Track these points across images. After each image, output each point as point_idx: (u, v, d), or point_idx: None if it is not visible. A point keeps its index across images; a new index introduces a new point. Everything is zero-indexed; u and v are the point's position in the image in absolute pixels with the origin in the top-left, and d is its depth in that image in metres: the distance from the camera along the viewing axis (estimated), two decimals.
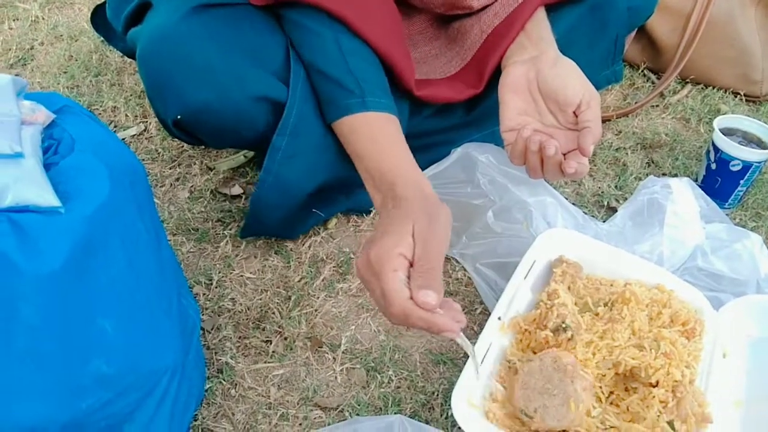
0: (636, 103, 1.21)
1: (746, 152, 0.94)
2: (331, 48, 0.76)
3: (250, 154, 1.01)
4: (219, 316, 0.80)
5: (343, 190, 0.90)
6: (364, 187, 0.92)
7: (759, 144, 0.98)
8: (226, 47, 0.74)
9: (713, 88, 1.26)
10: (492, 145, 0.91)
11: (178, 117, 0.75)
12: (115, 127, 1.09)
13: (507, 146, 0.84)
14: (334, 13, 0.74)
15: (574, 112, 0.80)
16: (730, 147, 0.94)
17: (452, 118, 0.97)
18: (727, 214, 0.99)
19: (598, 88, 1.07)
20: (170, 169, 1.01)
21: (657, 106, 1.22)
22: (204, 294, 0.82)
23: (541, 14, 0.87)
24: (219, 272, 0.85)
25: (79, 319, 0.52)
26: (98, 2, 1.01)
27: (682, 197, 0.84)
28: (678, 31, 1.21)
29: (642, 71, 1.30)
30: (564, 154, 0.80)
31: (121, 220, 0.56)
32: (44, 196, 0.50)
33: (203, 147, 1.04)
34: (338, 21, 0.75)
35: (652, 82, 1.29)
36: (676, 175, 1.05)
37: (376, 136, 0.74)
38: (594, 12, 0.95)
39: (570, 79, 0.80)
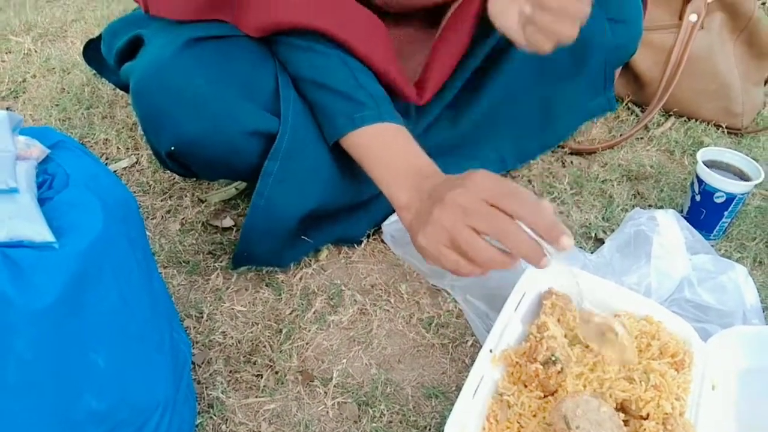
0: (621, 135, 1.24)
1: (730, 184, 0.95)
2: (338, 65, 0.79)
3: (242, 186, 1.01)
4: (210, 349, 0.79)
5: (333, 218, 0.91)
6: (355, 215, 0.94)
7: (742, 176, 1.00)
8: (218, 81, 0.76)
9: (696, 120, 1.29)
10: None
11: (172, 149, 0.76)
12: (107, 159, 1.10)
13: (522, 41, 0.79)
14: (338, 38, 0.76)
15: None
16: (713, 179, 0.96)
17: (437, 137, 0.98)
18: (712, 245, 1.00)
19: (593, 115, 1.10)
20: (161, 201, 1.01)
21: (641, 138, 1.25)
22: (194, 327, 0.82)
23: None
24: (210, 305, 0.85)
25: (71, 354, 0.51)
26: (91, 36, 1.02)
27: (668, 229, 0.86)
28: (660, 66, 1.24)
29: (626, 104, 1.33)
30: None
31: (114, 254, 0.56)
32: (39, 231, 0.50)
33: (195, 179, 1.04)
34: (342, 45, 0.77)
35: (636, 115, 1.31)
36: (661, 207, 1.07)
37: (394, 141, 0.77)
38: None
39: None
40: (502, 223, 0.62)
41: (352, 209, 0.93)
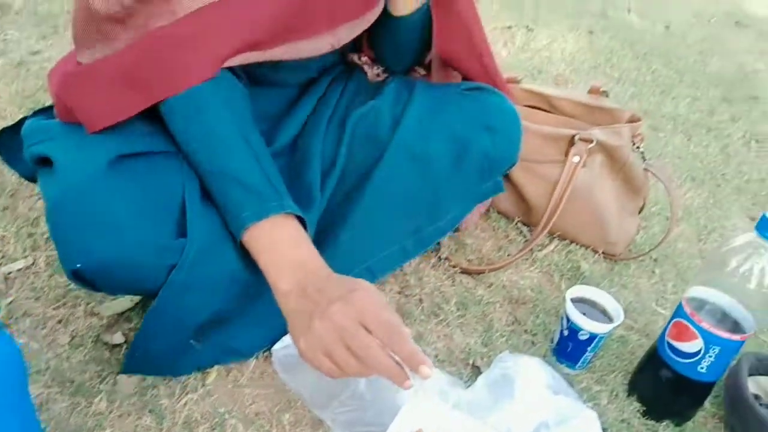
0: (509, 256, 1.34)
1: (592, 325, 1.06)
2: (240, 147, 0.84)
3: (137, 298, 1.03)
4: None
5: (227, 327, 0.95)
6: (250, 327, 0.97)
7: (604, 313, 1.11)
8: (137, 209, 0.80)
9: (576, 244, 1.41)
10: None
11: (78, 266, 0.79)
12: (3, 257, 1.09)
13: None
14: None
15: None
16: (579, 319, 1.06)
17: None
18: (576, 375, 1.10)
19: (483, 198, 1.17)
20: (54, 309, 1.02)
21: (527, 259, 1.35)
22: None
23: None
24: None
25: None
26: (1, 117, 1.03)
27: (531, 373, 0.94)
28: (547, 195, 1.36)
29: (516, 224, 1.44)
30: None
31: None
32: None
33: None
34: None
35: (524, 235, 1.42)
36: (536, 334, 1.16)
37: (286, 231, 0.84)
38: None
39: None
40: (369, 349, 0.72)
41: (249, 320, 0.97)
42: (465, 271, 1.28)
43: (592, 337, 1.07)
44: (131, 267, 0.81)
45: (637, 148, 1.37)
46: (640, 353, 1.16)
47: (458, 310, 1.18)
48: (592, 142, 1.32)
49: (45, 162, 0.84)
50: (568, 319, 1.08)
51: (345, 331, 0.72)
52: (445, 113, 1.07)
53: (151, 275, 0.84)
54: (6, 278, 1.06)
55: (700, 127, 2.12)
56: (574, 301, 1.11)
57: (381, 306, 0.75)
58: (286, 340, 0.99)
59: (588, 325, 1.06)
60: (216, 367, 0.97)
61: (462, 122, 1.06)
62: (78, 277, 0.82)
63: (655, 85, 2.41)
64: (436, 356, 1.09)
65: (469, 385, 1.03)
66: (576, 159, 1.32)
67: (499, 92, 1.11)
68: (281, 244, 0.83)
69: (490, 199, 1.29)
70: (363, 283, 0.78)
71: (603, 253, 1.40)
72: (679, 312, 1.00)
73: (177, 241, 0.84)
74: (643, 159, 1.40)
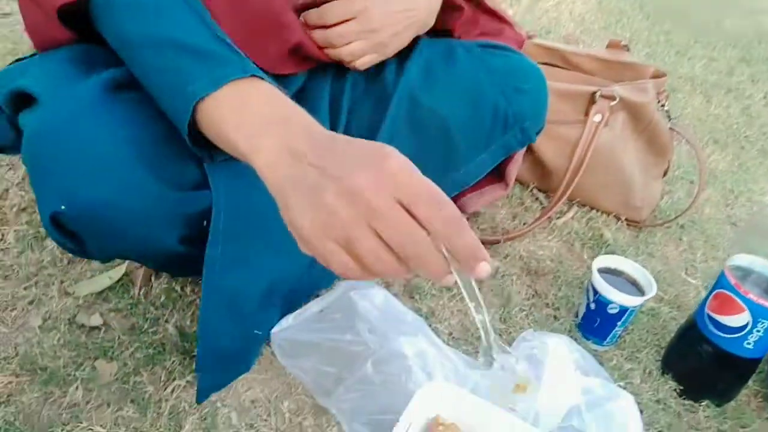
0: (525, 224, 1.23)
1: (623, 297, 0.95)
2: (187, 13, 0.63)
3: (116, 275, 0.93)
4: None
5: (279, 297, 0.85)
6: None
7: (634, 285, 1.01)
8: (134, 143, 0.64)
9: (597, 211, 1.31)
10: (376, 288, 0.88)
11: (62, 207, 0.63)
12: None
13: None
14: None
15: None
16: (607, 291, 0.96)
17: None
18: (604, 352, 1.00)
19: (511, 148, 1.03)
20: (25, 289, 0.91)
21: (544, 228, 1.25)
22: None
23: None
24: (64, 425, 0.76)
25: None
26: None
27: (559, 356, 0.84)
28: (564, 158, 1.25)
29: (531, 190, 1.33)
30: None
31: None
32: None
33: (67, 262, 0.95)
34: None
35: (541, 202, 1.32)
36: (558, 308, 1.06)
37: (257, 93, 0.60)
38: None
39: None
40: (415, 240, 0.50)
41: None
42: None
43: (623, 310, 0.97)
44: (126, 216, 0.64)
45: (662, 105, 1.26)
46: (673, 327, 1.06)
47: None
48: (614, 99, 1.20)
49: (23, 105, 0.67)
50: (596, 292, 0.98)
51: (377, 212, 0.49)
52: (457, 65, 0.95)
53: (150, 231, 0.68)
54: None
55: (719, 88, 2.01)
56: (601, 271, 1.00)
57: (425, 182, 0.51)
58: (285, 322, 0.89)
59: (618, 298, 0.96)
60: None
61: (472, 74, 0.95)
62: (57, 225, 0.66)
63: (669, 45, 2.29)
64: (450, 334, 0.98)
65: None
66: (597, 118, 1.21)
67: (518, 51, 1.01)
68: (251, 105, 0.58)
69: (507, 189, 1.16)
70: (393, 150, 0.52)
71: (626, 219, 1.30)
72: (721, 282, 0.90)
73: (189, 193, 0.68)
74: (669, 118, 1.29)
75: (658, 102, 1.25)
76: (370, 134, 0.90)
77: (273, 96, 0.59)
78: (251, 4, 0.76)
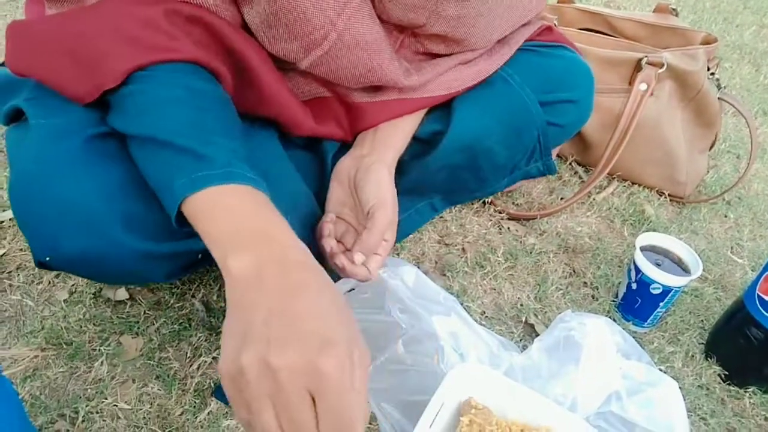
0: (562, 199, 1.18)
1: (667, 278, 0.90)
2: (187, 116, 0.61)
3: None
4: None
5: None
6: None
7: (679, 264, 0.96)
8: (117, 197, 0.62)
9: (639, 186, 1.25)
10: (407, 265, 0.85)
11: (47, 259, 0.63)
12: None
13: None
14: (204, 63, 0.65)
15: None
16: (651, 270, 0.91)
17: None
18: (645, 334, 0.96)
19: (530, 176, 1.03)
20: None
21: (583, 203, 1.19)
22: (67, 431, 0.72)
23: (415, 114, 0.87)
24: (89, 401, 0.75)
25: None
26: None
27: (599, 337, 0.80)
28: (606, 130, 1.19)
29: (570, 164, 1.28)
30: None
31: None
32: None
33: None
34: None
35: (580, 176, 1.26)
36: (596, 287, 1.02)
37: (240, 203, 0.58)
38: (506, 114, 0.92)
39: (369, 185, 0.79)
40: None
41: None
42: (513, 218, 1.13)
43: (666, 290, 0.92)
44: (110, 265, 0.64)
45: (712, 74, 1.18)
46: (717, 308, 1.01)
47: (506, 261, 1.04)
48: (662, 66, 1.13)
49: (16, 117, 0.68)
50: (638, 271, 0.93)
51: (283, 394, 0.47)
52: (497, 95, 0.91)
53: (138, 274, 0.68)
54: None
55: None
56: (644, 249, 0.95)
57: (347, 405, 0.48)
58: None
59: (662, 278, 0.91)
60: None
61: (515, 111, 0.91)
62: (49, 268, 0.66)
63: (716, 12, 2.17)
64: (483, 313, 0.95)
65: (523, 347, 0.89)
66: (643, 87, 1.14)
67: (570, 49, 0.97)
68: (234, 211, 0.57)
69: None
70: (341, 348, 0.48)
71: (669, 195, 1.24)
72: None
73: (178, 243, 0.67)
74: (718, 87, 1.21)
75: (708, 70, 1.17)
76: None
77: (257, 205, 0.57)
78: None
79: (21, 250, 0.91)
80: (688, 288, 1.04)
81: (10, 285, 0.87)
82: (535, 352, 0.83)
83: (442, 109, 0.89)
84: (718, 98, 1.21)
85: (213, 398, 0.77)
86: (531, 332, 0.93)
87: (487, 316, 0.95)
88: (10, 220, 0.95)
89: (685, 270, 0.94)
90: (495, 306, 0.97)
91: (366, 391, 0.50)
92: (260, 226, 0.55)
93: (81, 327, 0.82)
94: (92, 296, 0.86)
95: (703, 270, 1.06)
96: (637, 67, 1.15)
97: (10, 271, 0.88)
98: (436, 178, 0.96)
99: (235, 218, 0.56)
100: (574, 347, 0.80)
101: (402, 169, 0.89)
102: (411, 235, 1.05)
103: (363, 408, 0.48)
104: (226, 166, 0.58)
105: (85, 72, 0.61)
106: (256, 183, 0.59)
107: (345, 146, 0.88)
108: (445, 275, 1.00)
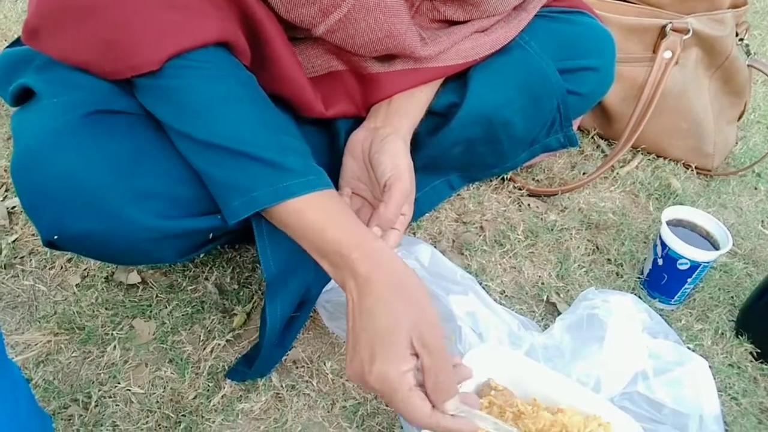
0: (584, 174, 1.14)
1: (695, 252, 0.87)
2: (251, 117, 0.62)
3: None
4: None
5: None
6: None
7: (708, 238, 0.92)
8: (125, 172, 0.61)
9: (664, 159, 1.20)
10: (423, 244, 0.82)
11: (55, 237, 0.62)
12: (6, 191, 0.97)
13: None
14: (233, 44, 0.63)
15: None
16: (678, 245, 0.88)
17: None
18: (672, 311, 0.92)
19: (550, 149, 1.00)
20: None
21: (606, 178, 1.16)
22: (80, 417, 0.71)
23: (430, 84, 0.84)
24: (102, 385, 0.74)
25: None
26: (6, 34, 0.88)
27: (624, 315, 0.77)
28: (630, 101, 1.15)
29: (592, 137, 1.23)
30: None
31: None
32: None
33: None
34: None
35: (602, 150, 1.22)
36: (621, 264, 0.98)
37: (324, 211, 0.63)
38: (524, 83, 0.89)
39: (384, 156, 0.76)
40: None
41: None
42: (533, 194, 1.10)
43: (695, 266, 0.88)
44: (118, 244, 0.63)
45: (741, 40, 1.13)
46: (748, 284, 0.98)
47: (527, 238, 1.01)
48: (687, 32, 1.08)
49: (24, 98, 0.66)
50: (664, 246, 0.90)
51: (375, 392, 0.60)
52: (514, 64, 0.87)
53: (147, 253, 0.67)
54: (10, 213, 0.93)
55: None
56: (671, 224, 0.92)
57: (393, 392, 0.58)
58: (330, 284, 0.84)
59: (690, 253, 0.87)
60: (241, 307, 0.84)
61: (534, 78, 0.88)
62: (56, 248, 0.66)
63: None
64: (503, 292, 0.92)
65: (545, 327, 0.87)
66: (668, 54, 1.09)
67: (590, 15, 0.93)
68: (322, 220, 0.63)
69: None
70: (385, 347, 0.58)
71: (696, 168, 1.19)
72: None
73: (187, 220, 0.66)
74: (747, 53, 1.16)
75: (737, 36, 1.12)
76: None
77: (338, 216, 0.63)
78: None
79: (33, 235, 0.90)
80: (717, 263, 1.00)
81: (23, 270, 0.86)
82: (557, 332, 0.80)
83: (458, 80, 0.85)
84: (748, 65, 1.16)
85: (227, 381, 0.75)
86: (553, 311, 0.91)
87: (507, 296, 0.92)
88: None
89: (713, 245, 0.91)
90: (515, 285, 0.94)
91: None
92: (338, 237, 0.61)
93: (93, 311, 0.81)
94: (104, 280, 0.85)
95: (733, 244, 1.02)
96: (661, 34, 1.10)
97: (23, 257, 0.88)
98: (452, 153, 0.93)
99: (323, 231, 0.62)
100: (598, 325, 0.77)
101: (417, 144, 0.86)
102: (427, 214, 1.02)
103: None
104: (304, 175, 0.62)
105: (116, 50, 0.59)
106: (329, 183, 0.64)
107: (358, 122, 0.85)
108: (463, 254, 0.97)
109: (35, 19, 0.60)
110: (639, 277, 0.96)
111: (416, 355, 0.58)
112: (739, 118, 1.24)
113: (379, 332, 0.58)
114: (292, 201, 0.61)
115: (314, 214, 0.62)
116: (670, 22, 1.09)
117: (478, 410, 0.62)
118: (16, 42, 0.78)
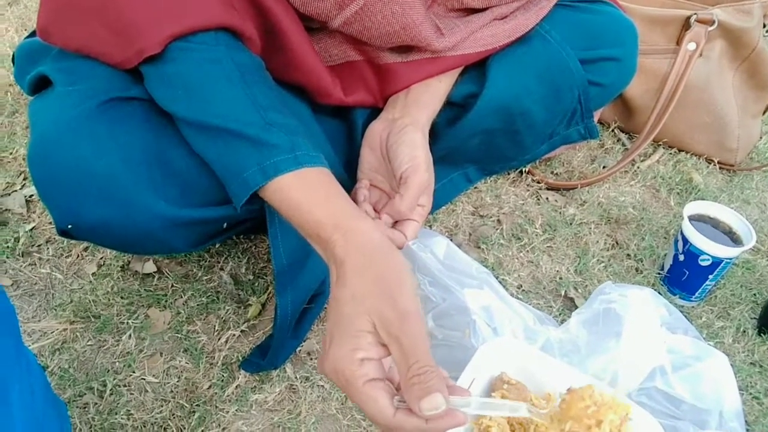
0: (604, 168, 1.13)
1: (717, 248, 0.85)
2: (240, 96, 0.60)
3: None
4: None
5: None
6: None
7: (730, 234, 0.90)
8: (137, 160, 0.61)
9: (686, 153, 1.18)
10: (438, 236, 0.81)
11: (69, 227, 0.62)
12: (25, 179, 0.98)
13: None
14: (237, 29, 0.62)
15: None
16: (700, 240, 0.86)
17: None
18: (692, 308, 0.91)
19: (570, 141, 0.99)
20: None
21: (626, 172, 1.14)
22: (95, 405, 0.71)
23: (449, 74, 0.83)
24: (117, 374, 0.74)
25: None
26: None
27: (642, 310, 0.75)
28: (652, 93, 1.13)
29: (612, 130, 1.22)
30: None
31: None
32: None
33: None
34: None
35: (623, 144, 1.20)
36: (641, 259, 0.97)
37: (308, 190, 0.59)
38: (544, 71, 0.88)
39: (402, 148, 0.74)
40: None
41: None
42: (552, 187, 1.08)
43: (716, 262, 0.86)
44: (132, 232, 0.63)
45: None
46: None
47: (545, 232, 1.00)
48: (712, 23, 1.06)
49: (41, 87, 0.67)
50: (686, 241, 0.88)
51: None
52: (534, 53, 0.86)
53: (161, 242, 0.67)
54: (28, 201, 0.94)
55: None
56: (692, 219, 0.90)
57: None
58: None
59: (712, 249, 0.85)
60: (256, 297, 0.84)
61: (554, 70, 0.87)
62: (71, 237, 0.66)
63: None
64: (520, 287, 0.91)
65: (562, 322, 0.86)
66: (692, 46, 1.07)
67: (612, 4, 0.91)
68: (307, 198, 0.59)
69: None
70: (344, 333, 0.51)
71: (719, 162, 1.17)
72: None
73: (201, 209, 0.66)
74: None
75: (764, 27, 1.10)
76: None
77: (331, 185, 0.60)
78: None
79: (50, 223, 0.91)
80: (739, 260, 0.98)
81: (40, 258, 0.87)
82: (574, 326, 0.79)
83: (477, 69, 0.84)
84: None
85: (241, 372, 0.75)
86: (570, 306, 0.89)
87: (523, 290, 0.91)
88: None
89: (736, 241, 0.89)
90: (532, 279, 0.93)
91: None
92: (321, 218, 0.57)
93: (109, 300, 0.82)
94: (120, 269, 0.85)
95: (756, 241, 1.00)
96: (686, 25, 1.08)
97: (40, 245, 0.88)
98: (470, 145, 0.92)
99: (308, 210, 0.58)
100: (615, 320, 0.76)
101: (435, 135, 0.86)
102: (444, 207, 1.01)
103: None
104: (292, 150, 0.59)
105: (123, 37, 0.59)
106: (320, 161, 0.60)
107: (375, 112, 0.84)
108: (479, 248, 0.96)
109: (46, 18, 0.62)
110: (659, 273, 0.95)
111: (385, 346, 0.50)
112: (764, 112, 1.21)
113: (341, 316, 0.51)
114: (277, 179, 0.58)
115: (297, 194, 0.58)
116: (695, 13, 1.07)
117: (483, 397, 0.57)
118: (35, 32, 0.78)
